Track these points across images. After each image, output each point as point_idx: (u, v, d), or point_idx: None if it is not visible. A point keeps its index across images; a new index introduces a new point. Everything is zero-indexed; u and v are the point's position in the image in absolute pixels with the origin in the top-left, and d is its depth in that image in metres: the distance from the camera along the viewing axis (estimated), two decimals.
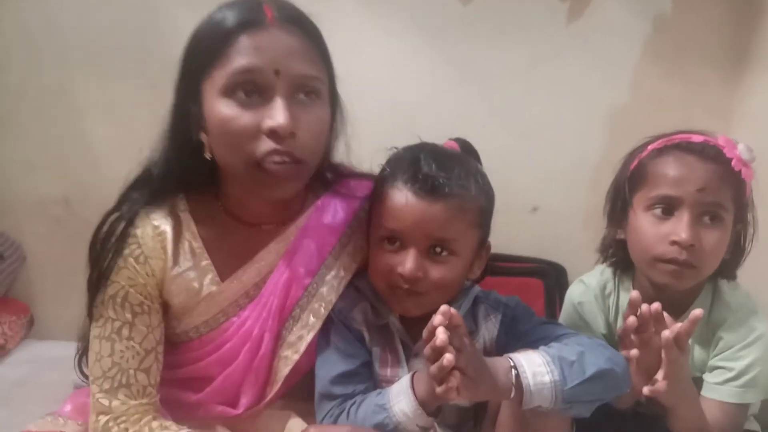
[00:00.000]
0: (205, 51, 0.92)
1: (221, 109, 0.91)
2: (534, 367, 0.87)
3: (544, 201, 1.84)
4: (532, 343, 0.96)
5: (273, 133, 0.90)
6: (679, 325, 0.95)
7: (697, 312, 0.94)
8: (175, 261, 1.00)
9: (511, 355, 0.90)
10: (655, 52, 1.78)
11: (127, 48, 1.75)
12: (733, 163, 1.04)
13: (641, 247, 1.10)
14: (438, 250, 0.97)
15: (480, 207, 1.00)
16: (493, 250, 1.09)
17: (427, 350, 0.82)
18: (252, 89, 0.90)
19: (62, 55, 1.77)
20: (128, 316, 0.97)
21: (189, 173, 1.01)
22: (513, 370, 0.87)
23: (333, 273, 1.06)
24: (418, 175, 0.96)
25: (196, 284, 1.01)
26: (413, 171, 0.96)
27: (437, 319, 0.82)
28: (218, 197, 1.05)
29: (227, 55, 0.90)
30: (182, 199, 1.04)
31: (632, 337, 0.99)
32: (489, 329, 1.05)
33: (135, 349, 0.97)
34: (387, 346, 1.04)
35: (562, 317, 1.26)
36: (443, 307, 0.83)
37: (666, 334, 0.94)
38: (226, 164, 0.96)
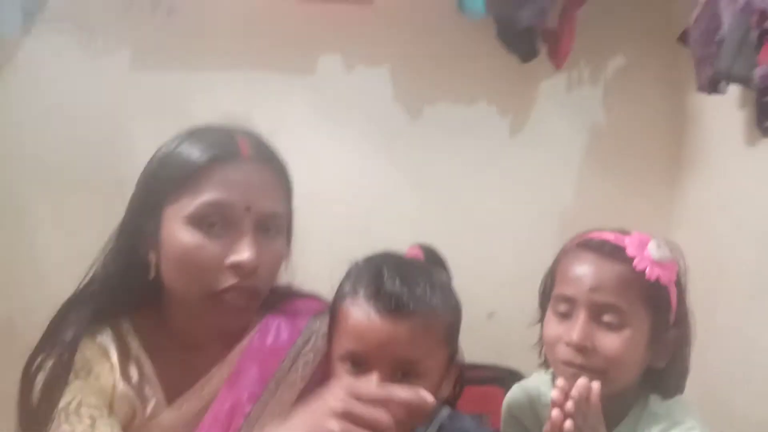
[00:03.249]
0: (174, 175, 0.90)
1: (185, 236, 0.88)
2: None
3: (500, 305, 1.80)
4: None
5: (236, 268, 0.88)
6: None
7: (582, 381, 0.87)
8: (120, 383, 0.93)
9: None
10: (594, 157, 1.84)
11: (80, 162, 1.71)
12: (635, 262, 0.96)
13: (546, 348, 1.04)
14: (406, 373, 0.87)
15: (447, 323, 0.92)
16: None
17: None
18: (219, 221, 0.89)
19: (12, 167, 1.72)
20: (87, 421, 0.87)
21: (132, 293, 0.96)
22: None
23: (275, 398, 0.98)
24: (381, 292, 0.87)
25: (138, 410, 0.93)
26: (376, 287, 0.88)
27: None
28: (162, 319, 0.99)
29: (199, 184, 0.88)
30: (126, 323, 0.98)
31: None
32: None
33: None
34: None
35: (502, 423, 1.18)
36: None
37: (555, 413, 0.85)
38: (177, 290, 0.93)
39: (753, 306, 1.49)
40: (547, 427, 0.87)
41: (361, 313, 0.87)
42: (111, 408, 0.92)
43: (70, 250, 1.65)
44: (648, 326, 0.98)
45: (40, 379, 0.92)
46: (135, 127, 1.71)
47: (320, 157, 1.73)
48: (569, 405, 0.83)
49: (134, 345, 0.96)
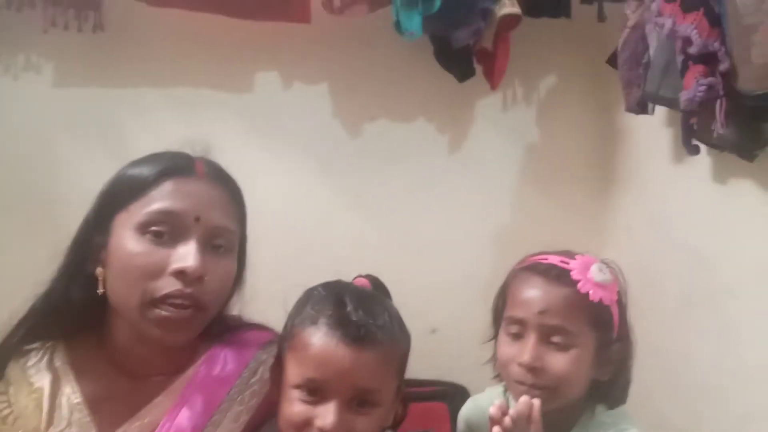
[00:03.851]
0: (127, 186, 0.92)
1: (131, 243, 0.89)
2: None
3: (441, 322, 1.81)
4: None
5: (181, 275, 0.88)
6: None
7: (523, 399, 0.91)
8: (50, 421, 0.89)
9: None
10: (529, 175, 1.89)
11: (4, 182, 1.62)
12: (579, 285, 1.02)
13: (500, 367, 1.09)
14: (362, 402, 0.87)
15: (403, 354, 0.95)
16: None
17: None
18: (167, 230, 0.89)
19: None
20: None
21: (74, 311, 0.94)
22: None
23: (220, 429, 0.95)
24: (345, 320, 0.87)
25: None
26: (339, 315, 0.88)
27: None
28: (102, 345, 0.96)
29: (150, 194, 0.90)
30: (61, 350, 0.95)
31: None
32: None
33: None
34: None
35: None
36: None
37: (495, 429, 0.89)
38: (119, 302, 0.91)
39: (682, 318, 1.55)
40: None
41: (324, 341, 0.87)
42: None
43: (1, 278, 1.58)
44: (593, 344, 1.04)
45: None
46: (62, 146, 1.65)
47: (258, 177, 1.67)
48: (507, 421, 0.86)
49: (68, 374, 0.93)
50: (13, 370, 0.91)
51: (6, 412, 0.89)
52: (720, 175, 1.41)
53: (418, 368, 1.69)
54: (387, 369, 0.90)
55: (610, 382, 1.07)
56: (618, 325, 1.06)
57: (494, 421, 0.89)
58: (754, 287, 1.35)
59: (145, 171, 0.92)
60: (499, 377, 1.17)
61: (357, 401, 0.87)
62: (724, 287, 1.42)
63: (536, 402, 0.90)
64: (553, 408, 1.02)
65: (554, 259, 1.07)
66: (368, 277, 1.00)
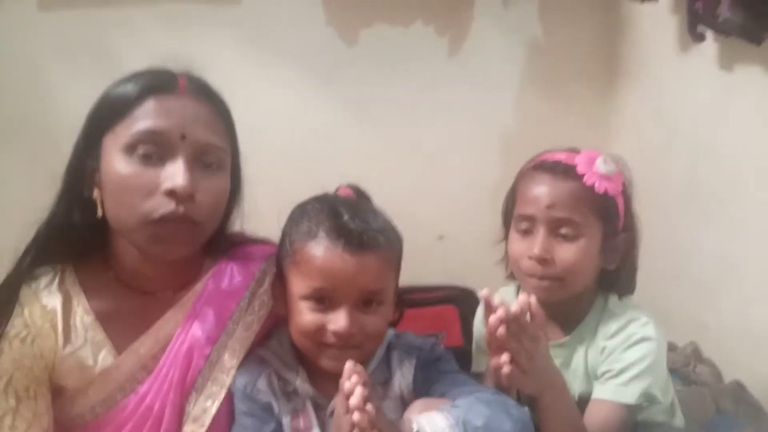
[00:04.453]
0: (111, 107, 0.91)
1: (121, 165, 0.88)
2: (437, 431, 0.81)
3: (448, 228, 1.83)
4: (440, 393, 0.93)
5: (172, 194, 0.87)
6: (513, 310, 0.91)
7: (522, 297, 0.91)
8: (66, 339, 0.92)
9: (415, 418, 0.84)
10: (532, 74, 1.84)
11: (2, 113, 1.60)
12: (585, 178, 1.05)
13: (511, 263, 1.13)
14: (368, 302, 0.92)
15: (399, 253, 0.99)
16: (405, 281, 1.04)
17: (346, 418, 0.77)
18: (154, 150, 0.88)
19: None
20: (12, 402, 0.87)
21: (79, 234, 0.95)
22: None
23: (234, 338, 0.99)
24: (344, 229, 0.90)
25: (90, 361, 0.92)
26: (337, 225, 0.91)
27: (347, 385, 0.77)
28: (109, 265, 0.97)
29: (134, 114, 0.89)
30: (71, 272, 0.96)
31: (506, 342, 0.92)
32: (404, 375, 0.99)
33: None
34: (298, 413, 0.96)
35: (474, 338, 1.26)
36: (348, 369, 0.79)
37: (493, 319, 0.89)
38: (118, 223, 0.91)
39: (686, 210, 1.56)
40: (486, 334, 0.92)
41: (327, 251, 0.90)
42: (52, 370, 0.91)
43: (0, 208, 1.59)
44: (600, 234, 1.07)
45: None
46: (53, 72, 1.61)
47: (255, 92, 1.65)
48: (500, 311, 0.88)
49: (79, 294, 0.95)
50: (25, 293, 0.93)
51: (24, 333, 0.91)
52: (726, 63, 1.37)
53: (427, 274, 1.75)
54: (388, 269, 0.95)
55: (617, 272, 1.11)
56: (623, 215, 1.09)
57: (490, 309, 0.90)
58: (760, 177, 1.34)
59: (127, 90, 0.91)
60: (511, 276, 1.20)
61: (364, 302, 0.92)
62: (729, 178, 1.42)
63: (533, 299, 0.92)
64: (564, 298, 1.08)
65: (560, 156, 1.10)
66: (350, 186, 1.02)
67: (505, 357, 0.90)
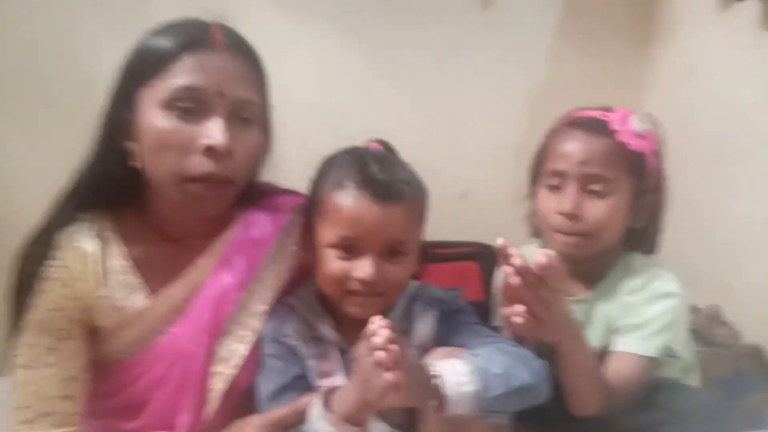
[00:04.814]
0: (148, 60, 0.91)
1: (159, 120, 0.89)
2: (456, 377, 0.84)
3: (473, 185, 1.83)
4: (460, 343, 0.95)
5: (210, 151, 0.89)
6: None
7: (548, 253, 0.87)
8: (103, 282, 0.95)
9: (436, 363, 0.86)
10: (565, 32, 1.80)
11: (33, 67, 1.62)
12: (619, 135, 1.04)
13: (540, 219, 1.13)
14: (393, 252, 0.94)
15: (424, 206, 1.00)
16: (428, 237, 1.05)
17: (368, 359, 0.78)
18: (192, 106, 0.89)
19: None
20: (51, 341, 0.92)
21: (114, 184, 0.97)
22: (436, 379, 0.84)
23: (263, 286, 1.02)
24: (372, 180, 0.92)
25: (125, 303, 0.96)
26: (366, 176, 0.93)
27: (378, 342, 0.77)
28: (144, 213, 1.00)
29: (171, 69, 0.89)
30: (107, 217, 0.99)
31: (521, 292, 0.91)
32: (426, 326, 1.02)
33: (58, 376, 0.92)
34: (323, 357, 1.00)
35: (495, 293, 1.26)
36: (373, 325, 0.79)
37: (508, 269, 0.87)
38: (155, 176, 0.93)
39: (717, 171, 1.54)
40: (502, 284, 0.92)
41: (355, 201, 0.92)
42: (89, 311, 0.95)
43: (37, 161, 1.63)
44: (629, 192, 1.07)
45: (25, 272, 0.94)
46: (82, 24, 1.61)
47: (285, 48, 1.64)
48: (516, 261, 0.86)
49: (115, 240, 0.97)
50: (64, 239, 0.96)
51: (62, 276, 0.94)
52: (766, 21, 1.33)
53: (450, 230, 1.76)
54: (413, 220, 0.96)
55: (643, 230, 1.11)
56: (654, 175, 1.09)
57: (506, 260, 0.87)
58: None
59: (163, 44, 0.91)
60: (535, 234, 1.21)
61: (388, 252, 0.94)
62: (760, 140, 1.39)
63: (552, 253, 0.89)
64: (589, 254, 1.08)
65: (594, 113, 1.09)
66: (379, 140, 1.03)
67: (518, 308, 0.89)
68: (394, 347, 0.77)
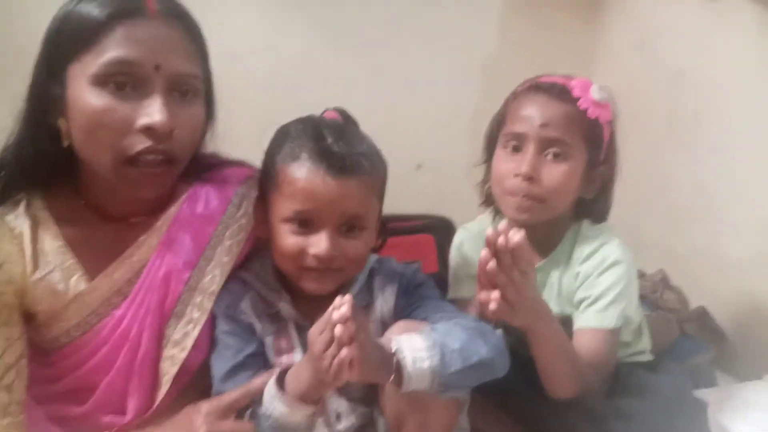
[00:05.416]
0: (76, 32, 0.83)
1: (91, 98, 0.83)
2: (415, 352, 0.82)
3: (426, 157, 1.81)
4: (420, 318, 0.93)
5: (149, 131, 0.83)
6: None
7: (511, 234, 0.86)
8: (36, 264, 0.90)
9: (394, 338, 0.85)
10: (516, 1, 1.79)
11: None
12: (579, 102, 1.05)
13: (495, 182, 1.12)
14: (350, 227, 0.92)
15: (383, 179, 0.97)
16: (383, 210, 1.03)
17: (321, 337, 0.77)
18: (127, 82, 0.83)
19: None
20: None
21: (45, 162, 0.91)
22: (395, 355, 0.83)
23: (213, 264, 0.97)
24: (328, 152, 0.89)
25: (62, 286, 0.90)
26: (321, 148, 0.89)
27: (335, 316, 0.76)
28: (78, 191, 0.94)
29: (102, 42, 0.82)
30: (38, 197, 0.93)
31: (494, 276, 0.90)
32: (386, 300, 1.00)
33: None
34: (281, 334, 0.97)
35: (451, 266, 1.25)
36: (337, 302, 0.77)
37: (483, 253, 0.88)
38: (89, 157, 0.87)
39: (665, 139, 1.56)
40: (477, 269, 0.90)
41: (310, 174, 0.89)
42: (23, 296, 0.90)
43: None
44: (584, 160, 1.08)
45: None
46: None
47: (228, 14, 1.59)
48: (500, 240, 0.86)
49: (48, 220, 0.92)
50: None
51: None
52: None
53: (404, 203, 1.74)
54: (371, 194, 0.93)
55: (593, 201, 1.12)
56: (607, 145, 1.10)
57: (489, 243, 0.88)
58: (740, 107, 1.34)
59: (92, 12, 0.83)
60: (486, 203, 1.20)
61: (345, 227, 0.91)
62: (711, 108, 1.42)
63: (521, 233, 0.87)
64: (541, 221, 1.08)
65: (556, 79, 1.09)
66: (336, 109, 1.00)
67: (495, 294, 0.88)
68: (350, 323, 0.75)
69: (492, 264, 0.87)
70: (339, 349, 0.75)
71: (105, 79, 0.83)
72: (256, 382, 0.89)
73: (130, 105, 0.83)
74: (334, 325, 0.75)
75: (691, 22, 1.43)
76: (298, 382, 0.83)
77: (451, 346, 0.84)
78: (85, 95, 0.83)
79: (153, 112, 0.83)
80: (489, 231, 0.88)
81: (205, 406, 0.89)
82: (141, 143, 0.84)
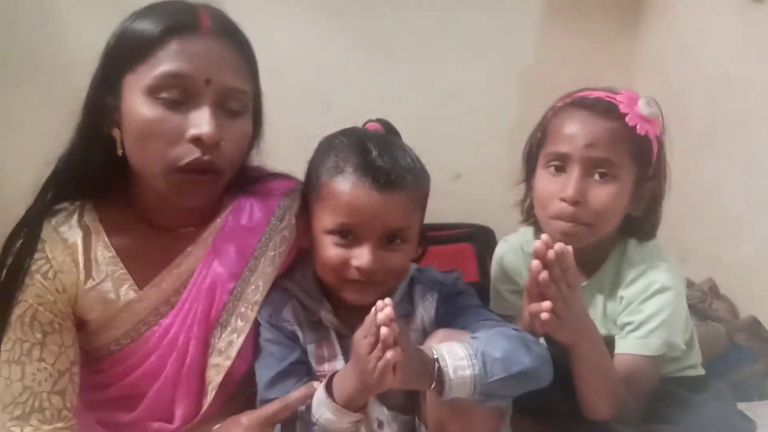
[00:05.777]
0: (132, 46, 0.87)
1: (144, 109, 0.86)
2: (456, 360, 0.82)
3: (465, 166, 1.82)
4: (461, 327, 0.92)
5: (198, 141, 0.86)
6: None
7: (559, 245, 0.87)
8: (88, 274, 0.92)
9: (435, 346, 0.85)
10: (555, 9, 1.78)
11: (16, 52, 1.58)
12: (627, 118, 0.99)
13: (538, 205, 1.07)
14: (392, 239, 0.91)
15: (426, 192, 0.97)
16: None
17: (365, 341, 0.77)
18: (179, 95, 0.86)
19: None
20: (38, 336, 0.89)
21: (97, 172, 0.94)
22: (436, 362, 0.82)
23: (257, 274, 0.98)
24: (372, 166, 0.88)
25: (112, 295, 0.93)
26: (366, 162, 0.89)
27: (380, 318, 0.76)
28: (129, 202, 0.97)
29: (157, 54, 0.85)
30: (90, 208, 0.96)
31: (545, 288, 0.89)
32: (426, 309, 0.99)
33: (47, 370, 0.89)
34: (322, 342, 0.98)
35: (492, 279, 1.22)
36: (380, 304, 0.77)
37: (535, 264, 0.87)
38: (140, 166, 0.90)
39: (708, 147, 1.53)
40: (527, 280, 0.90)
41: (354, 188, 0.89)
42: (75, 304, 0.92)
43: (19, 147, 1.59)
44: (632, 178, 1.02)
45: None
46: (63, 7, 1.58)
47: (270, 29, 1.62)
48: (550, 254, 0.85)
49: (99, 231, 0.94)
50: (46, 229, 0.92)
51: (46, 267, 0.90)
52: None
53: (443, 212, 1.74)
54: (414, 207, 0.93)
55: (641, 219, 1.07)
56: (656, 161, 1.04)
57: (538, 254, 0.87)
58: None
59: (148, 28, 0.86)
60: (528, 221, 1.16)
61: (388, 239, 0.91)
62: (753, 114, 1.38)
63: (569, 248, 0.87)
64: (589, 243, 1.03)
65: (600, 93, 1.04)
66: (379, 121, 1.00)
67: (546, 304, 0.87)
68: (395, 325, 0.75)
69: (544, 274, 0.85)
70: (384, 351, 0.75)
71: (158, 91, 0.85)
72: (295, 394, 0.89)
73: (180, 116, 0.86)
74: (378, 327, 0.75)
75: (731, 27, 1.40)
76: (343, 387, 0.83)
77: (493, 354, 0.83)
78: (139, 105, 0.86)
79: (202, 123, 0.85)
80: (537, 243, 0.87)
81: (245, 419, 0.90)
82: (190, 153, 0.86)
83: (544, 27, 1.79)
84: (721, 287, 1.47)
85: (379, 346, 0.75)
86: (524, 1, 1.78)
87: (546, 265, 0.86)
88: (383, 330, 0.74)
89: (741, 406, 1.05)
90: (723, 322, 1.36)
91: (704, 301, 1.41)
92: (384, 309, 0.75)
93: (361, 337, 0.78)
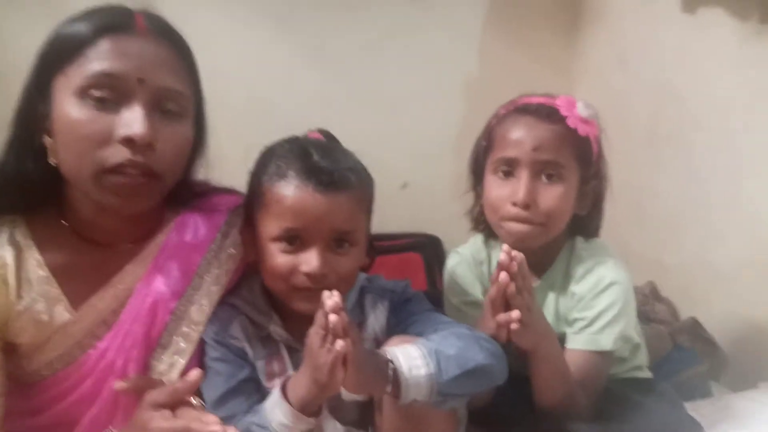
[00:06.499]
0: (62, 47, 0.83)
1: (73, 110, 0.81)
2: (410, 360, 0.81)
3: (412, 176, 1.81)
4: (415, 332, 0.92)
5: (128, 142, 0.81)
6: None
7: (512, 252, 0.90)
8: (19, 294, 0.86)
9: (389, 348, 0.84)
10: (495, 19, 1.81)
11: None
12: (568, 121, 1.03)
13: (489, 210, 1.09)
14: (340, 243, 0.90)
15: (370, 195, 0.97)
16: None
17: (317, 335, 0.77)
18: (110, 95, 0.82)
19: None
20: None
21: (29, 184, 0.88)
22: (390, 364, 0.81)
23: (201, 293, 0.95)
24: (315, 168, 0.88)
25: (45, 317, 0.87)
26: (308, 164, 0.88)
27: (327, 305, 0.75)
28: (64, 217, 0.91)
29: (86, 55, 0.82)
30: (21, 224, 0.89)
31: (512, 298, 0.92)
32: (378, 318, 0.99)
33: None
34: (272, 357, 0.95)
35: (445, 293, 1.22)
36: (326, 294, 0.77)
37: (503, 276, 0.89)
38: (71, 172, 0.85)
39: (648, 153, 1.57)
40: (492, 291, 0.91)
41: (298, 191, 0.88)
42: (5, 327, 0.87)
43: None
44: (577, 178, 1.06)
45: None
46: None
47: (211, 36, 1.57)
48: (514, 266, 0.87)
49: (31, 248, 0.89)
50: None
51: None
52: (690, 6, 1.36)
53: (391, 222, 1.74)
54: (359, 209, 0.93)
55: (586, 217, 1.11)
56: (597, 160, 1.09)
57: (503, 266, 0.89)
58: (721, 120, 1.35)
59: (80, 29, 0.83)
60: (478, 229, 1.18)
61: (335, 243, 0.90)
62: (692, 121, 1.43)
63: (521, 254, 0.90)
64: (541, 243, 1.06)
65: (541, 99, 1.07)
66: (320, 131, 0.99)
67: (516, 313, 0.88)
68: (344, 314, 0.74)
69: (513, 287, 0.87)
70: (333, 342, 0.74)
71: (87, 91, 0.81)
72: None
73: (111, 117, 0.82)
74: (326, 316, 0.74)
75: (670, 37, 1.44)
76: (297, 388, 0.82)
77: (447, 352, 0.83)
78: (68, 107, 0.82)
79: (133, 122, 0.81)
80: (502, 255, 0.89)
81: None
82: (121, 154, 0.82)
83: (486, 36, 1.81)
84: (661, 290, 1.51)
85: (329, 338, 0.75)
86: (468, 10, 1.79)
87: (511, 276, 0.87)
88: (331, 317, 0.74)
89: (685, 405, 1.07)
90: (665, 324, 1.39)
91: (646, 304, 1.45)
92: (331, 297, 0.75)
93: (314, 332, 0.77)
